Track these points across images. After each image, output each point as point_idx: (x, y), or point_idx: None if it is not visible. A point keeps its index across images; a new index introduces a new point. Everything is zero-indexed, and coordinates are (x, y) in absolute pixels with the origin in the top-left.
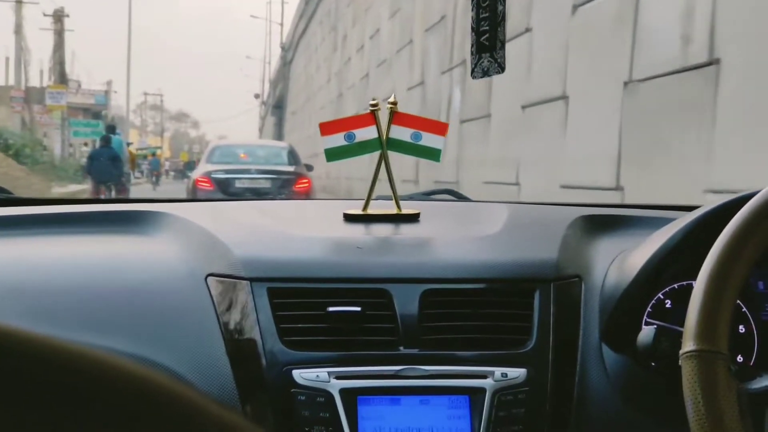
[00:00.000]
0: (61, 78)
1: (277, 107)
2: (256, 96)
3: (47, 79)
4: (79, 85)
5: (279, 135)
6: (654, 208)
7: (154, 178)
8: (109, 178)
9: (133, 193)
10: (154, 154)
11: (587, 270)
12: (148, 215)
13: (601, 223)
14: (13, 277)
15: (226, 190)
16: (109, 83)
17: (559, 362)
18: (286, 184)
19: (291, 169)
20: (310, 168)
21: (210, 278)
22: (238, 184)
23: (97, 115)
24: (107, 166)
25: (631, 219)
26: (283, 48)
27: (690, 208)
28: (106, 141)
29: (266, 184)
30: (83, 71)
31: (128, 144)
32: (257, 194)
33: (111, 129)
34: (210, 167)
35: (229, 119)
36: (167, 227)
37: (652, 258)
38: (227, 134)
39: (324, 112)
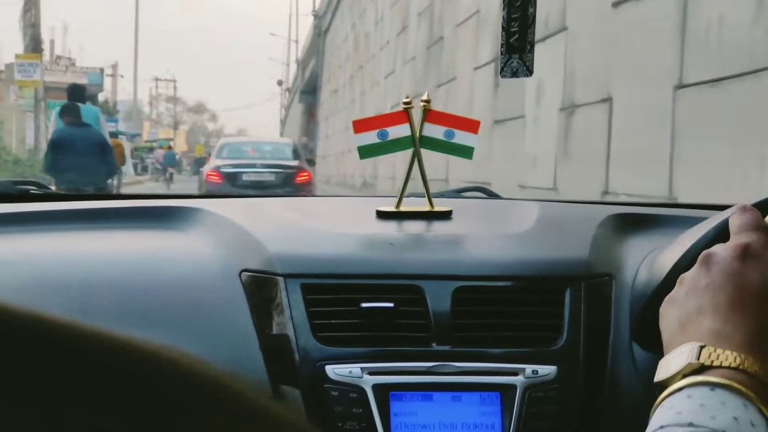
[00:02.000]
0: (34, 45)
1: (306, 92)
2: (279, 83)
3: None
4: (71, 63)
5: (309, 125)
6: (686, 207)
7: (168, 175)
8: (90, 178)
9: None
10: (169, 147)
11: (618, 269)
12: (182, 211)
13: (633, 222)
14: (49, 272)
15: (234, 183)
16: (114, 66)
17: (590, 360)
18: (289, 177)
19: (293, 163)
20: (311, 163)
21: (244, 274)
22: (245, 178)
23: (91, 99)
24: (85, 157)
25: (663, 218)
26: (316, 15)
27: (722, 207)
28: (71, 114)
29: (270, 177)
30: (86, 54)
31: (133, 136)
32: (262, 187)
33: (75, 93)
34: (219, 162)
35: (247, 109)
36: (201, 223)
37: (684, 257)
38: (246, 127)
39: (393, 79)
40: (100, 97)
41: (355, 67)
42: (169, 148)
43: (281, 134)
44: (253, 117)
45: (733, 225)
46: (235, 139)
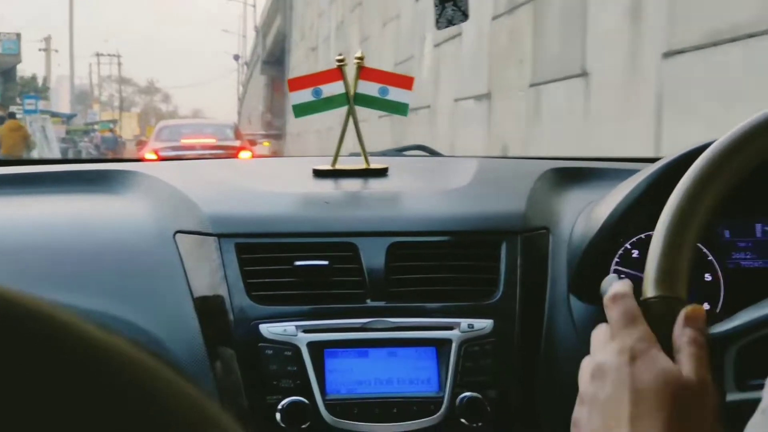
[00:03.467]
0: None
1: (269, 62)
2: (236, 57)
3: None
4: None
5: (273, 99)
6: (621, 160)
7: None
8: None
9: None
10: (110, 130)
11: (555, 222)
12: (115, 174)
13: (569, 176)
14: None
15: None
16: (47, 39)
17: (526, 313)
18: (229, 158)
19: (234, 143)
20: (253, 142)
21: (178, 235)
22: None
23: (6, 75)
24: None
25: (598, 171)
26: None
27: (653, 160)
28: None
29: (211, 159)
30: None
31: (69, 117)
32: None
33: None
34: (158, 145)
35: (200, 87)
36: (135, 186)
37: (617, 208)
38: (202, 108)
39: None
40: (23, 71)
41: (350, 7)
42: (111, 131)
43: (239, 113)
44: (209, 96)
45: (611, 319)
46: (174, 122)
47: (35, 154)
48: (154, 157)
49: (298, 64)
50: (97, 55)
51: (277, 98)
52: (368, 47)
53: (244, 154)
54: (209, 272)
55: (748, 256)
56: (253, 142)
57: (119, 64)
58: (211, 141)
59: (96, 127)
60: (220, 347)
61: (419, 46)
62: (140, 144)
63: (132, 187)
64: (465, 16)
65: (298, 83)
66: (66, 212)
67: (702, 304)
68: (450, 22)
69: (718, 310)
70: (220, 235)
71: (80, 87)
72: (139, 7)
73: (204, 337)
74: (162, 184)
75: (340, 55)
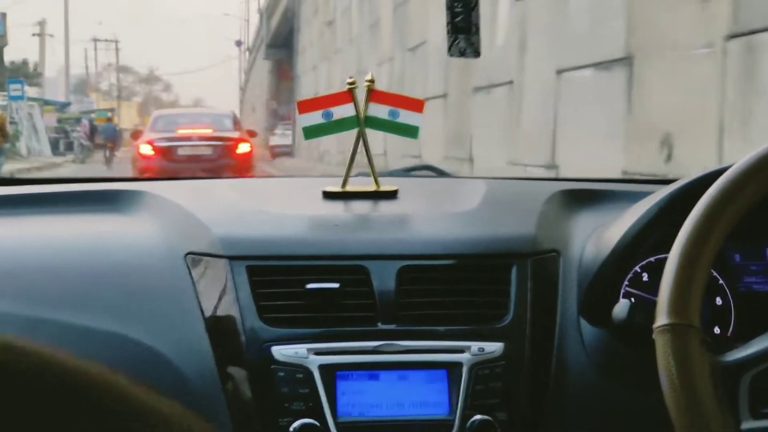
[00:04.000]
0: None
1: (274, 46)
2: (238, 43)
3: None
4: None
5: (278, 86)
6: (632, 182)
7: (106, 153)
8: None
9: None
10: (109, 119)
11: (565, 245)
12: (126, 194)
13: (579, 198)
14: None
15: (169, 158)
16: (42, 23)
17: (537, 336)
18: (227, 150)
19: (232, 135)
20: (253, 134)
21: (189, 257)
22: (180, 152)
23: None
24: None
25: (608, 193)
26: None
27: (667, 182)
28: None
29: (207, 151)
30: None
31: (63, 106)
32: (199, 161)
33: None
34: (153, 135)
35: (201, 75)
36: (146, 206)
37: (629, 231)
38: (203, 97)
39: None
40: (15, 57)
41: None
42: (109, 120)
43: (241, 102)
44: (210, 85)
45: None
46: (170, 111)
47: (21, 145)
48: (149, 149)
49: (311, 44)
50: (94, 40)
51: (282, 85)
52: (407, 12)
53: (243, 146)
54: (220, 294)
55: (759, 280)
56: (252, 133)
57: (117, 50)
58: (208, 131)
59: (93, 115)
60: (232, 369)
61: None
62: (135, 134)
63: (142, 208)
64: (476, 53)
65: (309, 105)
66: (75, 233)
67: (713, 328)
68: (462, 54)
69: (729, 335)
70: (231, 258)
71: (80, 76)
72: None
73: (215, 358)
74: (172, 205)
75: (350, 78)
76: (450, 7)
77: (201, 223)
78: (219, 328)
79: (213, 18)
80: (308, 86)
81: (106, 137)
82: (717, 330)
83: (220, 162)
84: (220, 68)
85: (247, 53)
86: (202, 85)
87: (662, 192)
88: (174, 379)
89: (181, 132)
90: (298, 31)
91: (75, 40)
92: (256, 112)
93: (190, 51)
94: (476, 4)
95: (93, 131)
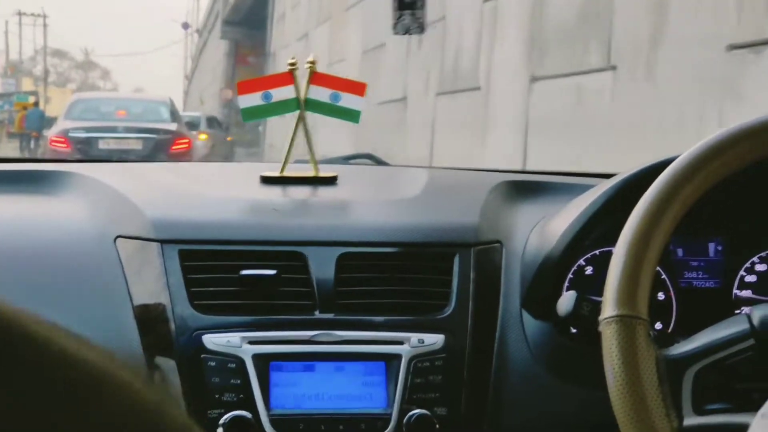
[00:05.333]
0: None
1: (232, 22)
2: (185, 26)
3: None
4: None
5: (235, 72)
6: (576, 175)
7: (31, 142)
8: None
9: None
10: (35, 103)
11: (508, 235)
12: (56, 175)
13: (523, 189)
14: None
15: (86, 152)
16: None
17: (478, 329)
18: (161, 145)
19: (168, 127)
20: (193, 126)
21: (119, 240)
22: (102, 145)
23: None
24: None
25: (553, 185)
26: None
27: (608, 176)
28: None
29: (137, 145)
30: None
31: None
32: (126, 156)
33: None
34: (69, 124)
35: (140, 56)
36: (76, 188)
37: (573, 224)
38: (145, 86)
39: None
40: None
41: None
42: (35, 104)
43: (186, 93)
44: (153, 73)
45: None
46: (91, 95)
47: None
48: (61, 143)
49: (297, 4)
50: (19, 14)
51: (240, 70)
52: None
53: (181, 142)
54: (151, 279)
55: (700, 276)
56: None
57: (45, 25)
58: (139, 123)
59: (13, 98)
60: (161, 357)
61: None
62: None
63: (71, 189)
64: (421, 28)
65: (248, 86)
66: (2, 213)
67: (655, 323)
68: (407, 31)
69: (670, 330)
70: (163, 241)
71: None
72: None
73: (143, 346)
74: (103, 187)
75: (292, 59)
76: None
77: (133, 205)
78: (148, 314)
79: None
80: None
81: (29, 125)
82: (658, 325)
83: (153, 159)
84: (165, 54)
85: (196, 35)
86: (145, 72)
87: (607, 183)
88: None
89: (105, 123)
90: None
91: None
92: (205, 104)
93: (132, 33)
94: None
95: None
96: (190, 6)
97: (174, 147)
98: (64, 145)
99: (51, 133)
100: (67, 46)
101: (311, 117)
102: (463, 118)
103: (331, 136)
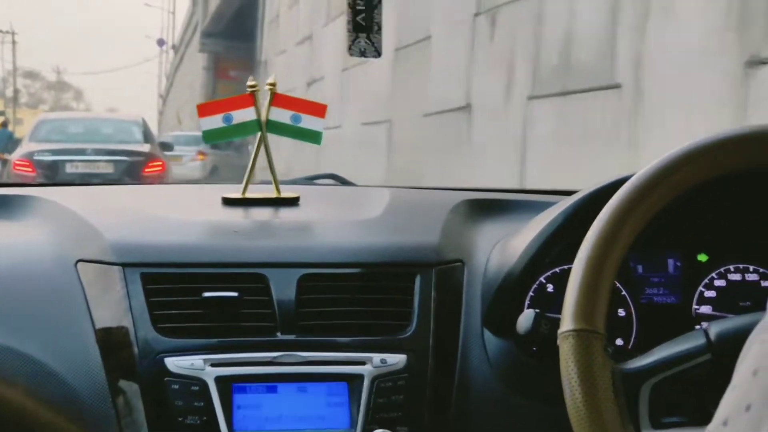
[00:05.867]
0: None
1: (212, 35)
2: (161, 42)
3: None
4: None
5: (216, 87)
6: (536, 192)
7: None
8: None
9: None
10: (3, 123)
11: (469, 254)
12: (15, 199)
13: (484, 208)
14: None
15: (53, 177)
16: None
17: (440, 348)
18: (133, 168)
19: (141, 148)
20: (167, 147)
21: (80, 264)
22: (69, 168)
23: None
24: None
25: (513, 203)
26: None
27: (569, 193)
28: None
29: (107, 169)
30: None
31: None
32: (95, 180)
33: None
34: (33, 147)
35: (112, 74)
36: (35, 212)
37: (533, 242)
38: (119, 106)
39: None
40: None
41: None
42: (4, 125)
43: (160, 114)
44: (126, 93)
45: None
46: (58, 115)
47: None
48: (26, 167)
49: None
50: None
51: (220, 85)
52: None
53: (154, 165)
54: (113, 303)
55: (660, 292)
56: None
57: (14, 42)
58: (110, 145)
59: None
60: (124, 381)
61: None
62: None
63: (31, 213)
64: (377, 53)
65: (208, 108)
66: None
67: (615, 339)
68: (363, 54)
69: (630, 346)
70: (124, 265)
71: None
72: None
73: (106, 370)
74: (63, 210)
75: (251, 80)
76: (352, 5)
77: (93, 228)
78: (110, 339)
79: (130, 16)
80: (290, 72)
81: None
82: (619, 341)
83: (125, 182)
84: (139, 73)
85: (171, 53)
86: (118, 92)
87: (566, 202)
88: (63, 393)
89: (72, 145)
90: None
91: None
92: (182, 124)
93: (105, 51)
94: (379, 1)
95: None
96: (165, 22)
97: (147, 170)
98: (29, 169)
99: (14, 156)
100: (37, 64)
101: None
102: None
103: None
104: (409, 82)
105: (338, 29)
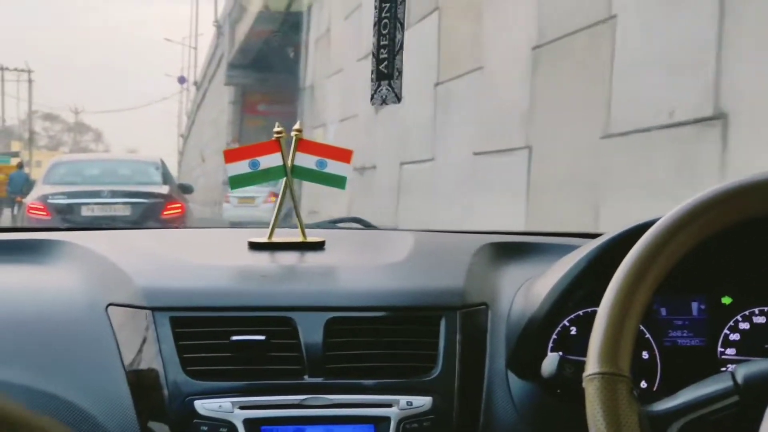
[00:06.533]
0: None
1: (240, 66)
2: (182, 80)
3: None
4: None
5: (242, 122)
6: (559, 235)
7: (14, 208)
8: None
9: None
10: (20, 165)
11: (494, 297)
12: (45, 244)
13: (507, 251)
14: None
15: (68, 220)
16: None
17: (465, 390)
18: (151, 210)
19: (159, 190)
20: (187, 189)
21: (111, 308)
22: (84, 212)
23: None
24: None
25: (537, 246)
26: None
27: (594, 236)
28: None
29: (124, 211)
30: None
31: None
32: (113, 224)
33: None
34: (48, 189)
35: (131, 112)
36: (65, 256)
37: (557, 285)
38: (139, 147)
39: None
40: None
41: None
42: (20, 166)
43: (181, 154)
44: (147, 134)
45: None
46: (73, 157)
47: None
48: (40, 210)
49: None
50: (2, 69)
51: (248, 121)
52: None
53: (173, 207)
54: (143, 346)
55: (684, 334)
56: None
57: (30, 81)
58: (127, 187)
59: None
60: (154, 423)
61: None
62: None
63: (61, 258)
64: (398, 98)
65: (235, 155)
66: None
67: (640, 382)
68: (384, 101)
69: (655, 389)
70: (154, 309)
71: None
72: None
73: (137, 412)
74: (93, 255)
75: (277, 126)
76: (375, 55)
77: (123, 273)
78: (141, 381)
79: (149, 54)
80: (347, 95)
81: (13, 189)
82: (644, 384)
83: (143, 226)
84: (158, 112)
85: (192, 90)
86: (137, 131)
87: (590, 245)
88: None
89: (87, 186)
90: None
91: None
92: (206, 162)
93: (123, 90)
94: (401, 47)
95: None
96: (186, 61)
97: (165, 212)
98: (43, 213)
99: (28, 199)
100: (55, 102)
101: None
102: None
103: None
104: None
105: (432, 27)
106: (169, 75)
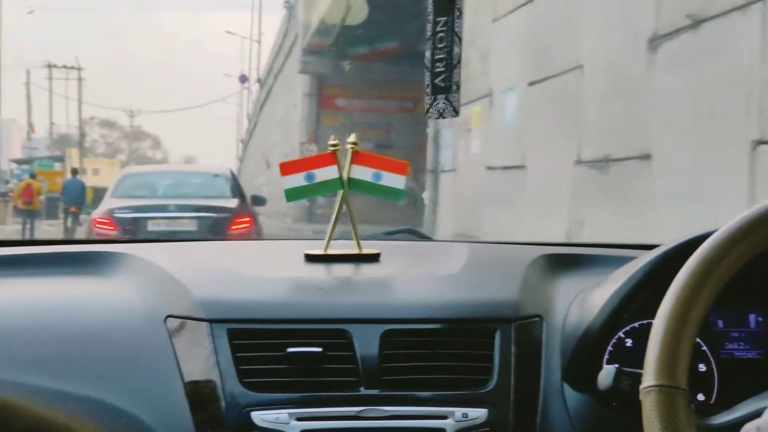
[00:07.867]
0: None
1: (316, 52)
2: (243, 79)
3: None
4: None
5: (319, 117)
6: (614, 246)
7: (68, 220)
8: None
9: None
10: (75, 171)
11: (548, 310)
12: (105, 256)
13: (562, 263)
14: None
15: (135, 234)
16: None
17: (521, 402)
18: (218, 225)
19: (227, 204)
20: (260, 201)
21: (169, 319)
22: (151, 226)
23: None
24: None
25: (591, 258)
26: None
27: (650, 247)
28: None
29: (190, 226)
30: None
31: None
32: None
33: None
34: (115, 203)
35: (188, 114)
36: (125, 268)
37: (613, 297)
38: (197, 155)
39: None
40: None
41: None
42: (75, 173)
43: (240, 159)
44: (205, 140)
45: None
46: (141, 169)
47: None
48: (107, 225)
49: None
50: (49, 66)
51: (326, 117)
52: None
53: (241, 222)
54: (201, 357)
55: (741, 347)
56: None
57: (80, 79)
58: (194, 201)
59: (26, 166)
60: None
61: None
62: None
63: (121, 270)
64: (456, 112)
65: (291, 167)
66: (55, 295)
67: (697, 395)
68: (441, 115)
69: (712, 401)
70: (212, 321)
71: (61, 131)
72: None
73: (195, 423)
74: (153, 267)
75: (333, 139)
76: (430, 69)
77: (181, 285)
78: (199, 392)
79: (208, 52)
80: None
81: (68, 199)
82: (701, 397)
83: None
84: (216, 118)
85: (255, 90)
86: (195, 139)
87: (646, 257)
88: None
89: (155, 201)
90: None
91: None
92: (271, 168)
93: (180, 90)
94: (458, 61)
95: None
96: (247, 60)
97: (233, 227)
98: (110, 227)
99: (96, 213)
100: (103, 100)
101: None
102: None
103: None
104: None
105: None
106: (229, 75)
